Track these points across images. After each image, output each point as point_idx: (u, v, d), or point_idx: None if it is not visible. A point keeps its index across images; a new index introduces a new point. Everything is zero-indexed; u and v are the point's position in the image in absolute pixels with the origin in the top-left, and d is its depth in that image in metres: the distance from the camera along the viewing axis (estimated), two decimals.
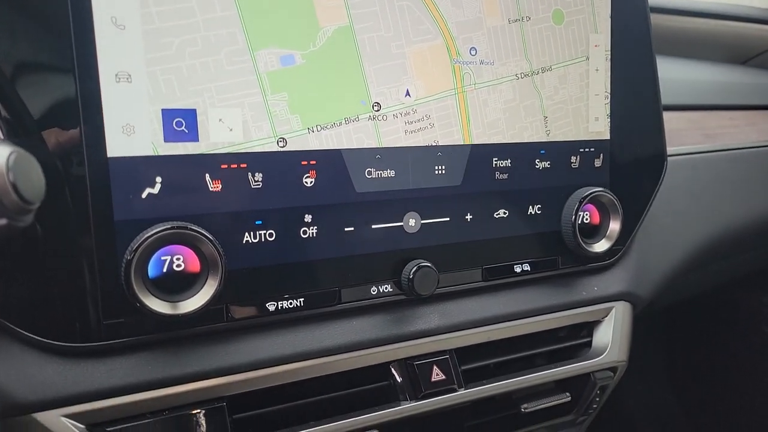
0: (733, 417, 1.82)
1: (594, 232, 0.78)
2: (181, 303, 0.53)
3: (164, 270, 0.53)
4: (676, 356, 1.96)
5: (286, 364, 0.61)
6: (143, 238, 0.51)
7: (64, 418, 0.50)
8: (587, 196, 0.75)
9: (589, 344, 0.81)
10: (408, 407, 0.66)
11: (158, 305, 0.52)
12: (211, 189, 0.56)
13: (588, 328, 0.82)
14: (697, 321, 1.88)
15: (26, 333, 0.50)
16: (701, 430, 1.91)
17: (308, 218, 0.61)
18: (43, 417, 0.50)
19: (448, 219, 0.69)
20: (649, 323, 1.93)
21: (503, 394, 0.75)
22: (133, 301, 0.51)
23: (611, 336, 0.80)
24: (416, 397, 0.66)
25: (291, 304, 0.61)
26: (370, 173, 0.64)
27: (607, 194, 0.76)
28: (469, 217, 0.70)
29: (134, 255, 0.51)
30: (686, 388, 1.95)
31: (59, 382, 0.51)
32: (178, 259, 0.54)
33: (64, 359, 0.52)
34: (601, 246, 0.77)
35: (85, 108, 0.50)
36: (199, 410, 0.55)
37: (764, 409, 1.73)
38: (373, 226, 0.65)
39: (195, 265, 0.54)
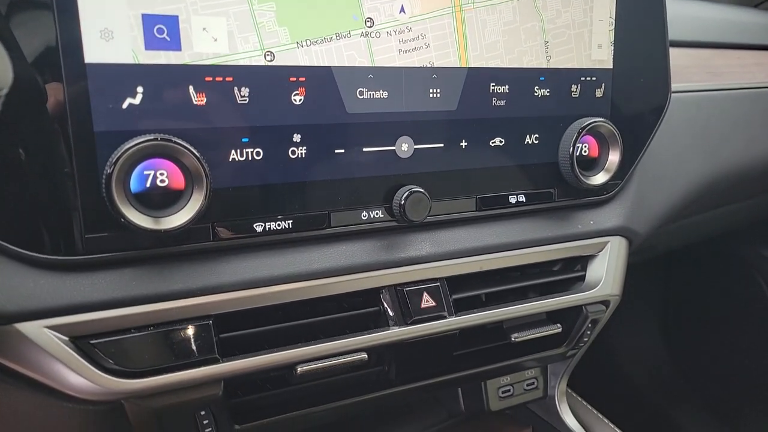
0: (719, 364, 1.85)
1: (592, 164, 0.76)
2: (164, 218, 0.52)
3: (147, 185, 0.52)
4: (669, 303, 1.97)
5: (274, 285, 0.60)
6: (124, 150, 0.49)
7: (47, 330, 0.50)
8: (587, 126, 0.72)
9: (582, 278, 0.80)
10: (396, 332, 0.65)
11: (141, 219, 0.51)
12: (195, 102, 0.54)
13: (582, 262, 0.82)
14: (693, 270, 1.89)
15: (8, 245, 0.49)
16: (687, 375, 1.94)
17: (297, 138, 0.59)
18: (26, 328, 0.50)
19: (442, 145, 0.67)
20: (645, 270, 1.94)
21: (493, 324, 0.75)
22: (115, 215, 0.50)
23: (605, 270, 0.80)
24: (405, 323, 0.66)
25: (279, 225, 0.60)
26: (361, 93, 0.62)
27: (607, 124, 0.74)
28: (464, 144, 0.68)
29: (115, 167, 0.49)
30: (675, 335, 1.97)
31: (42, 294, 0.50)
32: (161, 174, 0.52)
33: (46, 272, 0.51)
34: (598, 178, 0.75)
35: (60, 9, 0.48)
36: (184, 326, 0.55)
37: (750, 357, 1.75)
38: (365, 150, 0.63)
39: (179, 181, 0.53)
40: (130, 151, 0.49)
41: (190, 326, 0.55)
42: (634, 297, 1.95)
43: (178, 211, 0.53)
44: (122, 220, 0.50)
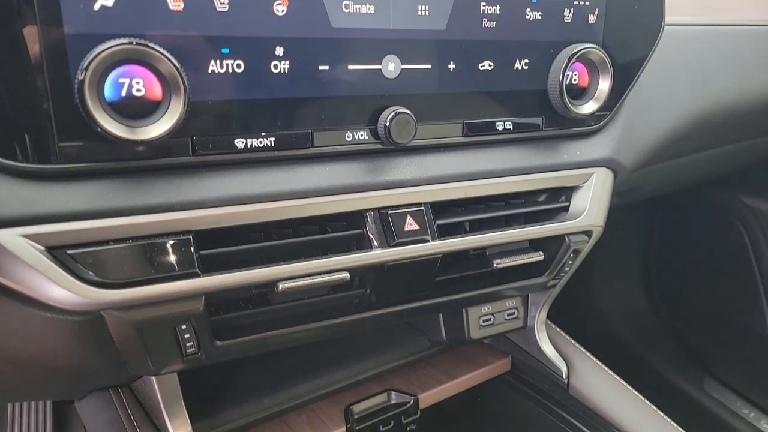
0: (695, 309, 1.89)
1: (581, 94, 0.75)
2: (141, 128, 0.50)
3: (123, 94, 0.50)
4: (650, 249, 2.00)
5: (255, 203, 0.59)
6: (96, 53, 0.47)
7: (21, 238, 0.49)
8: (577, 52, 0.71)
9: (566, 209, 0.80)
10: (379, 254, 0.65)
11: (116, 128, 0.49)
12: (171, 7, 0.51)
13: (567, 193, 0.81)
14: (675, 217, 1.91)
15: None
16: (663, 319, 1.99)
17: (279, 51, 0.57)
18: (1, 235, 0.49)
19: (429, 66, 0.65)
20: (628, 216, 1.96)
21: (476, 250, 0.75)
22: (89, 123, 0.48)
23: (589, 201, 0.80)
24: (388, 245, 0.66)
25: (261, 143, 0.58)
26: (347, 6, 0.59)
27: (599, 51, 0.72)
28: (452, 66, 0.67)
29: (87, 72, 0.47)
30: (655, 280, 2.01)
31: (16, 202, 0.49)
32: (137, 83, 0.50)
33: (21, 180, 0.50)
34: (587, 108, 0.74)
35: None
36: (164, 240, 0.54)
37: (725, 303, 1.80)
38: (350, 67, 0.61)
39: (156, 90, 0.51)
40: (103, 55, 0.47)
41: (169, 240, 0.55)
42: (617, 242, 1.99)
43: (156, 121, 0.51)
44: (98, 129, 0.48)
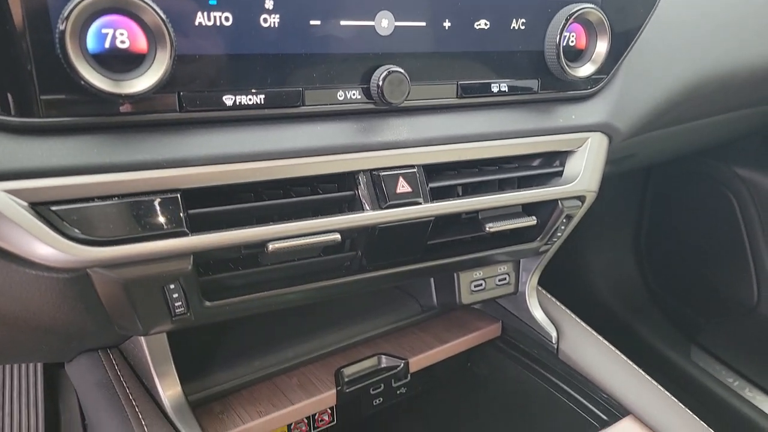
0: (683, 280, 1.91)
1: (578, 56, 0.74)
2: (126, 82, 0.49)
3: (106, 46, 0.48)
4: (641, 220, 2.01)
5: (244, 162, 0.58)
6: (78, 1, 0.45)
7: (4, 194, 0.48)
8: (575, 12, 0.69)
9: (560, 174, 0.80)
10: (370, 215, 0.64)
11: (100, 81, 0.47)
12: None
13: (561, 158, 0.81)
14: (667, 188, 1.91)
15: None
16: (651, 290, 2.01)
17: (269, 4, 0.55)
18: None
19: (424, 24, 0.64)
20: (620, 187, 1.96)
21: (469, 214, 0.75)
22: (71, 74, 0.46)
23: (583, 166, 0.79)
24: (380, 207, 0.65)
25: (250, 100, 0.57)
26: None
27: (597, 11, 0.70)
28: (447, 24, 0.65)
29: (68, 22, 0.45)
30: (645, 251, 2.02)
31: None
32: (121, 34, 0.49)
33: (2, 134, 0.48)
34: (584, 70, 0.73)
35: None
36: (151, 198, 0.53)
37: (713, 273, 1.81)
38: (342, 23, 0.59)
39: (141, 42, 0.49)
40: (84, 3, 0.45)
41: (156, 198, 0.54)
42: (609, 212, 1.99)
43: (141, 75, 0.49)
44: (80, 81, 0.47)
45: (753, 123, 1.54)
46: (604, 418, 0.82)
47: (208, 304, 0.61)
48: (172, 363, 0.69)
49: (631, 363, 0.87)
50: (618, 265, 2.07)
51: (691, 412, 0.80)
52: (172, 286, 0.57)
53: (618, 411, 0.82)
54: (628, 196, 1.99)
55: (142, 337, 0.67)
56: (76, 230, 0.51)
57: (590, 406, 0.85)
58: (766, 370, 1.77)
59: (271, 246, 0.59)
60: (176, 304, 0.59)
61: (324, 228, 0.62)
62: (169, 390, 0.68)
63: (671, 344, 1.95)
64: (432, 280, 0.96)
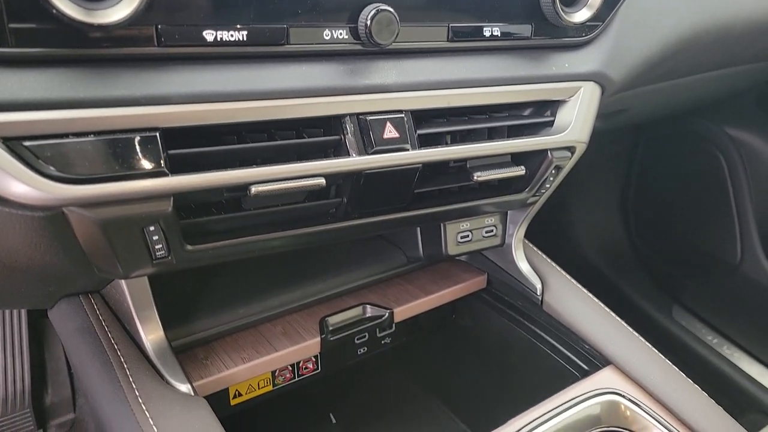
0: (669, 240, 1.92)
1: (574, 1, 0.71)
2: (99, 11, 0.46)
3: None
4: (630, 180, 2.01)
5: (226, 102, 0.56)
6: None
7: None
8: None
9: (551, 124, 0.78)
10: (356, 161, 0.63)
11: (71, 9, 0.45)
12: None
13: (552, 108, 0.79)
14: (658, 148, 1.90)
15: None
16: (637, 250, 2.02)
17: None
18: None
19: None
20: (610, 147, 1.95)
21: (457, 162, 0.73)
22: (41, 1, 0.44)
23: (575, 116, 0.77)
24: (366, 153, 0.64)
25: (232, 36, 0.54)
26: None
27: None
28: None
29: None
30: (632, 211, 2.03)
31: None
32: None
33: None
34: (580, 16, 0.71)
35: None
36: (128, 136, 0.51)
37: (699, 234, 1.83)
38: None
39: None
40: None
41: (134, 137, 0.52)
42: (598, 171, 1.99)
43: (116, 4, 0.47)
44: (52, 10, 0.44)
45: (747, 81, 1.52)
46: (586, 368, 0.84)
47: (189, 248, 0.60)
48: (154, 308, 0.68)
49: (613, 315, 0.87)
50: (604, 225, 2.09)
51: (670, 363, 0.81)
52: (152, 229, 0.56)
53: (599, 361, 0.83)
54: (618, 155, 1.99)
55: (123, 282, 0.67)
56: (52, 168, 0.49)
57: (572, 357, 0.86)
58: (744, 329, 1.81)
59: (253, 189, 0.58)
60: (157, 247, 0.57)
61: (308, 172, 0.61)
62: (151, 334, 0.67)
63: (654, 303, 1.98)
64: (418, 231, 0.95)
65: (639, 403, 0.75)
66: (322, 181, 0.61)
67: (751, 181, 1.72)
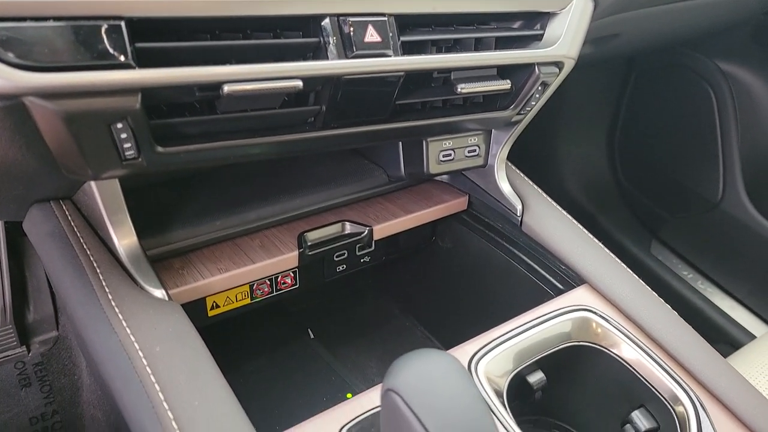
0: (653, 177, 1.93)
1: None
2: None
3: None
4: (620, 116, 1.99)
5: None
6: None
7: None
8: None
9: (539, 38, 0.76)
10: (335, 64, 0.60)
11: None
12: None
13: (542, 21, 0.76)
14: (648, 82, 1.87)
15: None
16: (621, 185, 2.03)
17: None
18: None
19: None
20: (602, 82, 1.92)
21: (441, 74, 0.71)
22: None
23: (565, 29, 0.75)
24: (346, 56, 0.61)
25: None
26: None
27: None
28: None
29: None
30: (619, 146, 2.02)
31: None
32: None
33: None
34: None
35: None
36: (91, 23, 0.48)
37: (683, 170, 1.83)
38: None
39: None
40: None
41: (98, 24, 0.48)
42: (588, 105, 1.96)
43: None
44: None
45: (743, 11, 1.48)
46: (561, 287, 0.84)
47: (160, 149, 0.58)
48: (126, 212, 0.66)
49: (590, 236, 0.88)
50: (590, 160, 2.08)
51: (643, 283, 0.82)
52: (119, 126, 0.54)
53: (574, 281, 0.83)
54: (609, 90, 1.96)
55: (94, 186, 0.65)
56: (10, 54, 0.46)
57: (548, 276, 0.87)
58: (718, 264, 1.85)
59: (226, 88, 0.55)
60: (125, 146, 0.55)
61: (285, 74, 0.58)
62: (123, 239, 0.66)
63: (633, 239, 2.01)
64: (400, 150, 0.93)
65: (610, 319, 0.76)
66: (299, 83, 0.58)
67: (739, 118, 1.71)
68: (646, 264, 1.95)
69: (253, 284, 0.84)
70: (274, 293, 0.88)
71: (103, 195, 0.65)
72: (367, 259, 0.97)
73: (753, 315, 1.81)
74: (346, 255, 0.94)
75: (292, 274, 0.89)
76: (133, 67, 0.51)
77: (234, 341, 1.07)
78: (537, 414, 0.82)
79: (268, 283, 0.86)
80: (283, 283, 0.88)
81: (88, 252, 0.67)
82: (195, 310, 0.77)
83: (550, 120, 2.05)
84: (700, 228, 1.86)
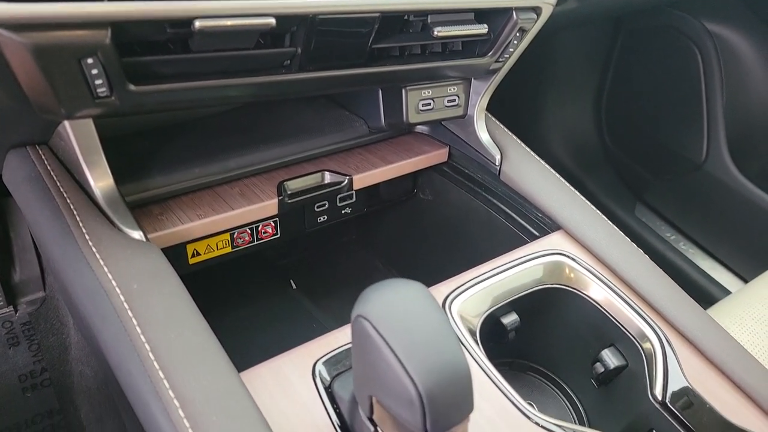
0: (638, 138, 1.94)
1: None
2: None
3: None
4: (607, 78, 1.99)
5: None
6: None
7: None
8: None
9: None
10: (309, 2, 0.60)
11: None
12: None
13: None
14: (635, 43, 1.87)
15: None
16: (606, 147, 2.04)
17: None
18: None
19: None
20: (590, 44, 1.91)
21: (417, 17, 0.71)
22: None
23: None
24: None
25: None
26: None
27: None
28: None
29: None
30: (605, 108, 2.03)
31: None
32: None
33: None
34: None
35: None
36: None
37: (667, 132, 1.84)
38: None
39: None
40: None
41: None
42: (576, 67, 1.96)
43: None
44: None
45: None
46: (537, 234, 0.86)
47: (133, 88, 0.58)
48: (102, 154, 0.66)
49: (567, 184, 0.89)
50: (576, 121, 2.09)
51: (620, 232, 0.84)
52: (90, 61, 0.53)
53: (550, 228, 0.85)
54: (596, 52, 1.96)
55: (69, 127, 0.64)
56: None
57: (525, 224, 0.88)
58: (701, 225, 1.88)
59: (198, 23, 0.55)
60: (97, 83, 0.55)
61: (258, 11, 0.58)
62: (100, 181, 0.66)
63: (617, 201, 2.03)
64: (380, 100, 0.93)
65: (582, 262, 0.78)
66: (271, 20, 0.58)
67: (725, 79, 1.72)
68: (630, 226, 1.98)
69: (234, 232, 0.85)
70: (256, 242, 0.89)
71: (78, 136, 0.65)
72: (348, 210, 0.98)
73: (733, 275, 1.85)
74: (327, 206, 0.94)
75: (273, 224, 0.89)
76: None
77: (216, 292, 1.08)
78: (512, 357, 0.84)
79: (249, 232, 0.87)
80: (264, 233, 0.89)
81: (65, 195, 0.67)
82: (175, 257, 0.77)
83: (538, 83, 2.05)
84: (683, 190, 1.88)
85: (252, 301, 1.10)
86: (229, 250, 0.86)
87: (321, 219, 0.95)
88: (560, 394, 0.83)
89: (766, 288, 1.10)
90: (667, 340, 0.70)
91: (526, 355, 0.84)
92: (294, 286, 1.13)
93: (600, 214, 0.85)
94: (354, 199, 0.97)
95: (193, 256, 0.83)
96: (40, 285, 1.30)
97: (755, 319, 1.03)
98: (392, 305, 0.47)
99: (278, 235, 0.91)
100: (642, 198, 2.04)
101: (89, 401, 1.01)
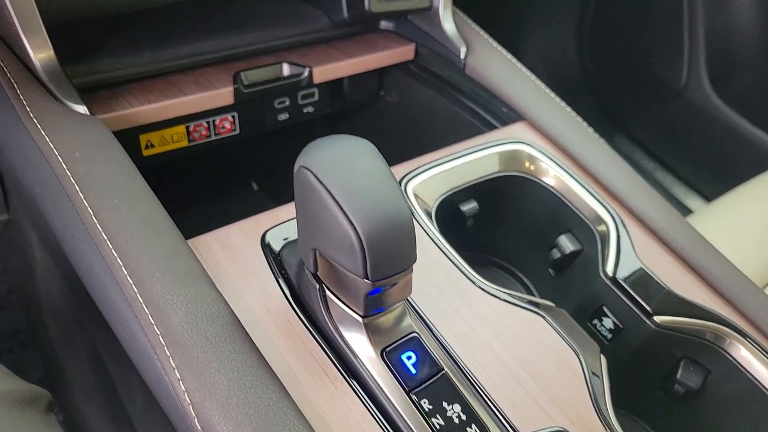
0: (618, 66, 1.91)
1: None
2: None
3: None
4: (590, 4, 1.94)
5: None
6: None
7: None
8: None
9: None
10: None
11: None
12: None
13: None
14: None
15: None
16: (588, 74, 2.01)
17: None
18: None
19: None
20: None
21: None
22: None
23: None
24: None
25: None
26: None
27: None
28: None
29: None
30: (587, 36, 1.99)
31: None
32: None
33: None
34: None
35: None
36: None
37: (653, 59, 1.81)
38: None
39: None
40: None
41: None
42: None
43: None
44: None
45: None
46: (498, 126, 0.85)
47: None
48: (42, 25, 0.63)
49: (532, 76, 0.87)
50: (558, 48, 2.05)
51: (586, 125, 0.83)
52: None
53: (514, 120, 0.84)
54: None
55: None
56: None
57: (489, 119, 0.86)
58: (677, 153, 1.88)
59: None
60: None
61: None
62: (39, 53, 0.63)
63: (596, 128, 2.02)
64: None
65: (543, 150, 0.77)
66: None
67: (708, 2, 1.68)
68: None
69: (190, 125, 0.83)
70: (213, 137, 0.87)
71: (16, 7, 0.62)
72: (311, 110, 0.96)
73: (706, 201, 1.87)
74: (288, 103, 0.92)
75: (231, 119, 0.87)
76: None
77: (172, 190, 1.06)
78: (472, 250, 0.84)
79: (206, 126, 0.85)
80: (222, 128, 0.87)
81: (5, 68, 0.64)
82: (127, 147, 0.75)
83: (519, 6, 2.00)
84: (662, 117, 1.87)
85: (210, 202, 1.08)
86: (185, 144, 0.84)
87: (282, 117, 0.93)
88: (519, 285, 0.84)
89: (730, 206, 1.11)
90: (622, 222, 0.70)
91: (487, 248, 0.84)
92: (255, 188, 1.12)
93: (565, 105, 0.84)
94: (317, 97, 0.95)
95: (147, 147, 0.81)
96: (4, 207, 1.27)
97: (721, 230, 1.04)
98: (335, 156, 0.46)
99: (237, 132, 0.89)
100: (622, 126, 2.03)
101: (59, 322, 1.01)
